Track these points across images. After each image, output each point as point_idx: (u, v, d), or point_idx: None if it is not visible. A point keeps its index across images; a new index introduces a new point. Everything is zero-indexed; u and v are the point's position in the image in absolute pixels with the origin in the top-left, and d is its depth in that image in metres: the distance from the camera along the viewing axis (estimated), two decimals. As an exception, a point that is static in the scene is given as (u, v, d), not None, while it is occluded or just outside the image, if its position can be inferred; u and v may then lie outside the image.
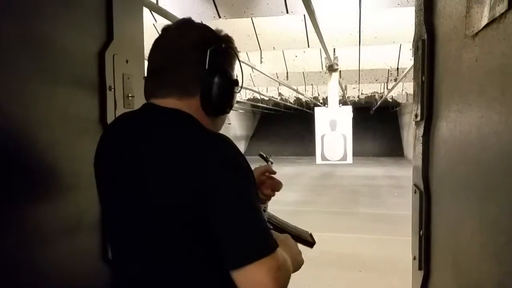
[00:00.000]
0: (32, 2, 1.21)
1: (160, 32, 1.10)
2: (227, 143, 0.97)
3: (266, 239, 0.91)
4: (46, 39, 1.27)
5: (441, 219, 1.22)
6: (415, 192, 1.44)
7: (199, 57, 1.03)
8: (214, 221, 0.90)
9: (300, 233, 1.38)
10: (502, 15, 0.73)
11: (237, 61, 1.15)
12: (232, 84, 1.10)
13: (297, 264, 1.16)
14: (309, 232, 1.42)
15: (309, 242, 1.39)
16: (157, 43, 1.09)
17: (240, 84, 1.13)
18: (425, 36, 1.29)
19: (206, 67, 1.03)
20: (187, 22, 1.10)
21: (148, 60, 1.10)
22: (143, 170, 0.96)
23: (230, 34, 1.15)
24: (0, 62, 1.10)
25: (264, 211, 1.35)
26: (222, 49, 1.08)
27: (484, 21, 0.81)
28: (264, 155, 1.50)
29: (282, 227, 1.35)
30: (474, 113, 0.89)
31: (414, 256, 1.45)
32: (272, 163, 1.48)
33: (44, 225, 1.27)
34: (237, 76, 1.13)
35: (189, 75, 1.04)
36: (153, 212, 0.95)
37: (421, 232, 1.36)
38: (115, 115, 1.57)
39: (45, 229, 1.27)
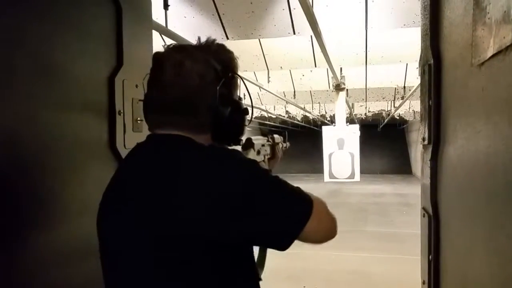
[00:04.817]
0: (43, 30, 1.24)
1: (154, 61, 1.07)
2: (233, 151, 1.00)
3: (306, 196, 1.01)
4: (57, 66, 1.29)
5: (449, 244, 1.21)
6: (423, 216, 1.42)
7: (209, 94, 1.02)
8: (257, 220, 0.92)
9: None
10: (509, 46, 0.73)
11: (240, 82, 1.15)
12: (243, 114, 1.12)
13: None
14: None
15: None
16: (157, 77, 1.06)
17: (250, 112, 1.14)
18: (432, 61, 1.29)
19: (217, 101, 1.02)
20: (186, 54, 1.05)
21: (147, 94, 1.07)
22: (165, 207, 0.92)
23: (237, 54, 1.12)
24: (12, 90, 1.12)
25: None
26: (230, 80, 1.07)
27: (490, 51, 0.81)
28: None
29: None
30: (481, 141, 0.89)
31: (424, 281, 1.43)
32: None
33: (54, 249, 1.27)
34: (244, 99, 1.14)
35: (197, 115, 1.03)
36: (190, 243, 0.90)
37: (430, 257, 1.35)
38: (124, 139, 1.58)
39: (54, 253, 1.27)
